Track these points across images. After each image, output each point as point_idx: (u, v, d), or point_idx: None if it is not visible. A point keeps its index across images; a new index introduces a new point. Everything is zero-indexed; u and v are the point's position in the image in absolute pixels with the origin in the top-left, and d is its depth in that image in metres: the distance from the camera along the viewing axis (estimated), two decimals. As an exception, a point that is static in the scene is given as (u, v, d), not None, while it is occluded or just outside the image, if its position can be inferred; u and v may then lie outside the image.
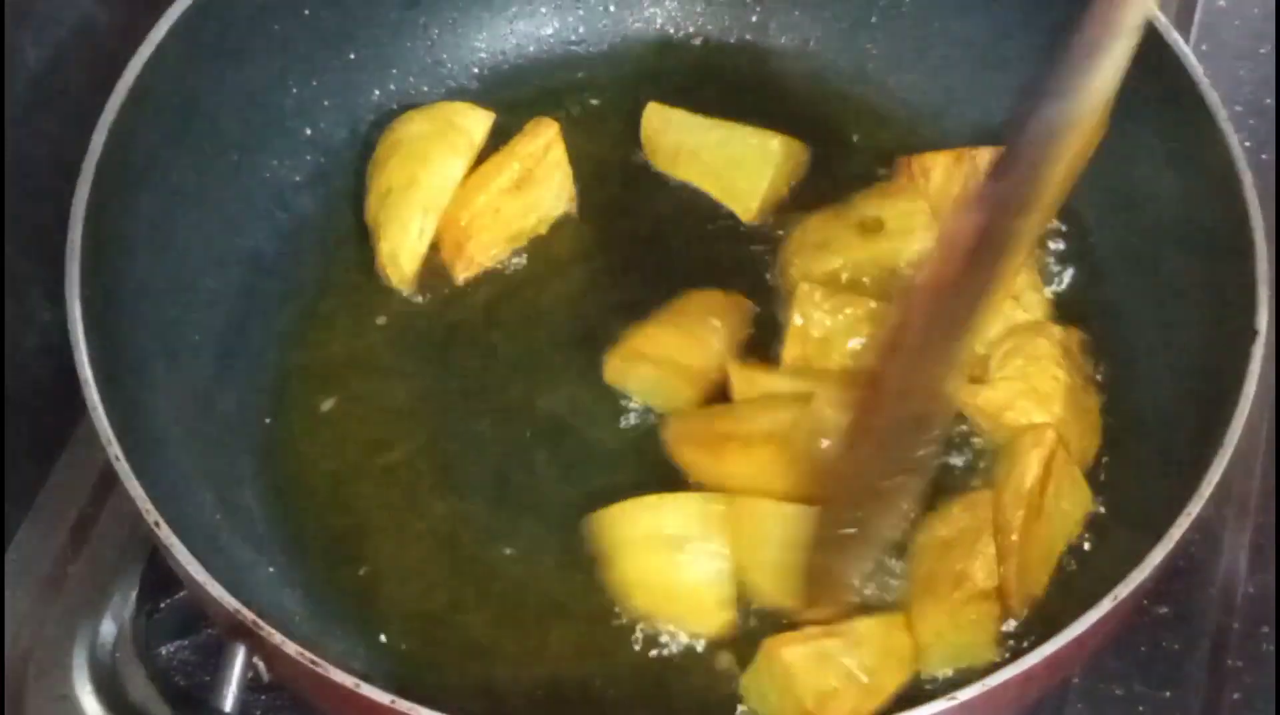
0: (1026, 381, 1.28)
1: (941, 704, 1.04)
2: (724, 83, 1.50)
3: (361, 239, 1.41)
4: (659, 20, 1.53)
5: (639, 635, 1.22)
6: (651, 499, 1.23)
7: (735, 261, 1.39)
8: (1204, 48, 1.63)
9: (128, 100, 1.25)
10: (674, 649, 1.22)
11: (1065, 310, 1.36)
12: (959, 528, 1.22)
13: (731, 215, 1.42)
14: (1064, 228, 1.39)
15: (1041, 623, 1.20)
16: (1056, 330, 1.32)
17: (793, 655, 1.16)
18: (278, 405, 1.33)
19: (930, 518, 1.25)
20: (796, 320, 1.30)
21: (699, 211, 1.43)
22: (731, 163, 1.41)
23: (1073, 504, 1.25)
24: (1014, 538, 1.20)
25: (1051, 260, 1.38)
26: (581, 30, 1.52)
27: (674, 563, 1.21)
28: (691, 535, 1.21)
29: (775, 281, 1.37)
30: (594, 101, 1.49)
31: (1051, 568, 1.23)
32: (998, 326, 1.32)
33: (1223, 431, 1.13)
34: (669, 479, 1.27)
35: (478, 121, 1.42)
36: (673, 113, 1.44)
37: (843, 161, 1.44)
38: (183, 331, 1.32)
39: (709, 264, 1.39)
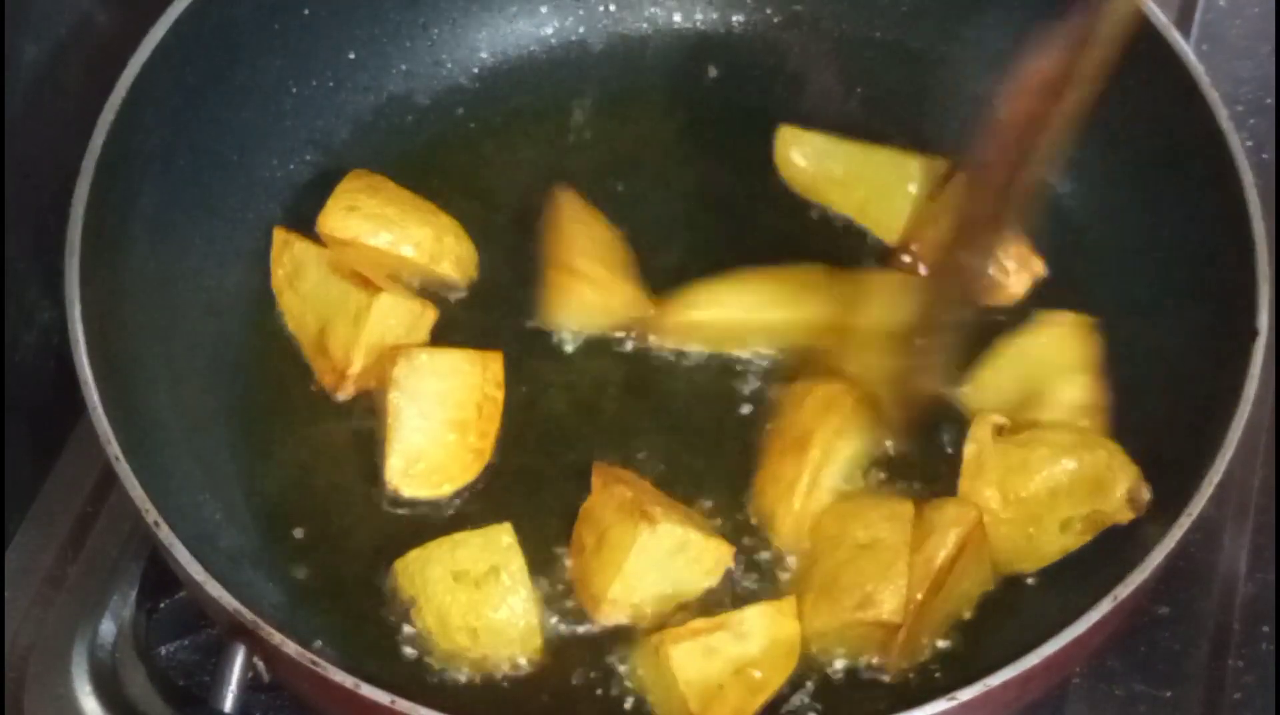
0: None
1: (941, 704, 1.05)
2: (725, 81, 1.50)
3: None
4: (659, 19, 1.53)
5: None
6: (445, 540, 1.21)
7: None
8: (1204, 47, 1.63)
9: (128, 100, 1.26)
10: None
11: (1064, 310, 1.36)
12: (876, 537, 1.19)
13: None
14: (1062, 227, 1.39)
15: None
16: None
17: (678, 653, 1.14)
18: (280, 405, 1.33)
19: (844, 507, 1.23)
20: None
21: (694, 207, 1.43)
22: (872, 187, 1.39)
23: (973, 584, 1.21)
24: (911, 608, 1.17)
25: (1049, 260, 1.39)
26: (582, 30, 1.52)
27: (473, 601, 1.19)
28: (486, 570, 1.19)
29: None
30: (594, 102, 1.49)
31: (936, 637, 1.20)
32: None
33: (1223, 431, 1.13)
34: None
35: None
36: (806, 135, 1.41)
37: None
38: (182, 331, 1.32)
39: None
